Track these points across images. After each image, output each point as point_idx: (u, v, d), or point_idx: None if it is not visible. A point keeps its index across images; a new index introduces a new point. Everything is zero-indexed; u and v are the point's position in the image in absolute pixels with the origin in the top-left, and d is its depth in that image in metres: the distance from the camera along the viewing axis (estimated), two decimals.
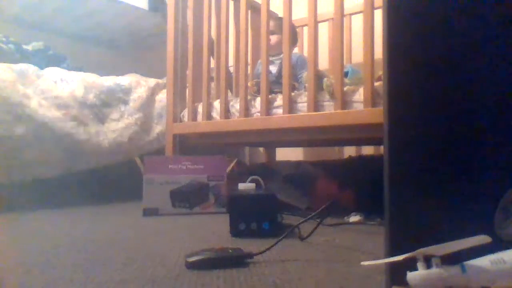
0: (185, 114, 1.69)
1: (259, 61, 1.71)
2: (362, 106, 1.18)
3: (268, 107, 1.40)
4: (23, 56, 1.82)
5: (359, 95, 1.21)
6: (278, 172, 1.49)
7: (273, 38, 1.72)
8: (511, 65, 0.48)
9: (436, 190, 0.48)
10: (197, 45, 1.65)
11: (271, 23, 1.62)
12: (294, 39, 1.76)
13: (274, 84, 1.60)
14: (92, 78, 1.74)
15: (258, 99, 1.45)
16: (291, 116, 1.33)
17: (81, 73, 1.74)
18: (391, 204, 0.49)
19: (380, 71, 1.26)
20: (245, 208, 0.95)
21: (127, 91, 1.82)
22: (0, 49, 1.76)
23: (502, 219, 0.47)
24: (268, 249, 0.73)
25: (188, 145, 1.70)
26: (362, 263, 0.47)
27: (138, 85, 1.87)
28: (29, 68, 1.55)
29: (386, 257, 0.47)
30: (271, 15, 1.59)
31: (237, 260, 0.69)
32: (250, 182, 1.24)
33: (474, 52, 0.48)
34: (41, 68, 1.63)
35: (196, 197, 1.35)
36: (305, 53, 1.72)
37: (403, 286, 0.42)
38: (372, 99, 1.15)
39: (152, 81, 1.93)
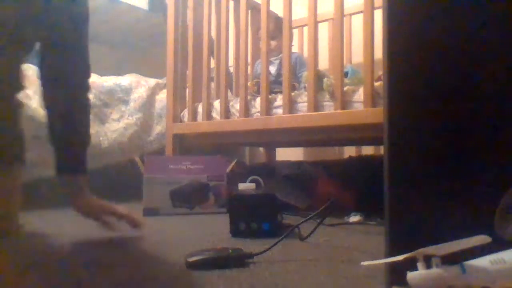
0: (185, 114, 1.69)
1: (258, 61, 1.71)
2: (362, 106, 1.18)
3: (268, 107, 1.40)
4: None
5: (359, 95, 1.21)
6: (278, 172, 1.49)
7: (272, 44, 1.72)
8: (511, 65, 0.48)
9: (436, 190, 0.48)
10: (197, 45, 1.65)
11: (270, 27, 1.62)
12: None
13: (273, 83, 1.60)
14: (92, 78, 1.72)
15: (258, 99, 1.45)
16: (291, 116, 1.33)
17: None
18: (391, 204, 0.49)
19: (380, 71, 1.26)
20: (245, 208, 0.95)
21: (127, 91, 1.82)
22: None
23: (502, 219, 0.47)
24: (268, 249, 0.73)
25: (188, 145, 1.70)
26: (362, 263, 0.47)
27: (138, 85, 1.87)
28: (30, 68, 1.55)
29: (386, 257, 0.47)
30: (270, 15, 1.59)
31: (237, 260, 0.69)
32: (250, 182, 1.24)
33: (474, 52, 0.48)
34: None
35: (196, 197, 1.35)
36: (305, 53, 1.72)
37: (403, 286, 0.42)
38: (372, 99, 1.15)
39: (152, 81, 1.93)
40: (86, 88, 0.95)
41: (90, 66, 0.96)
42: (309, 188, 1.39)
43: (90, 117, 1.62)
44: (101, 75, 1.80)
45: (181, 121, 1.70)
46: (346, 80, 1.29)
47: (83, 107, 0.94)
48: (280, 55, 1.58)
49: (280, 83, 1.44)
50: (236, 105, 1.52)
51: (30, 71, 1.55)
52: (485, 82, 0.48)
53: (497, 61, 0.48)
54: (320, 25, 1.64)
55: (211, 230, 1.04)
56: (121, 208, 0.94)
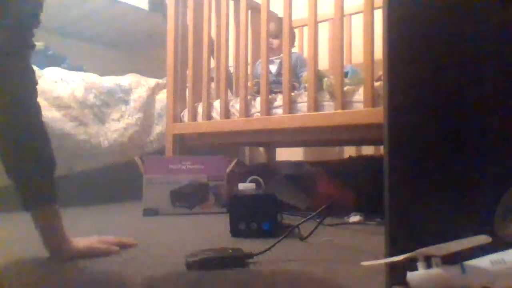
0: (185, 114, 1.69)
1: (258, 61, 1.71)
2: (362, 106, 1.18)
3: (268, 107, 1.40)
4: None
5: (359, 95, 1.21)
6: (278, 172, 1.49)
7: (275, 42, 1.72)
8: (511, 65, 0.48)
9: (436, 190, 0.48)
10: (197, 45, 1.65)
11: (273, 27, 1.63)
12: (292, 40, 1.76)
13: (274, 83, 1.60)
14: (92, 78, 1.73)
15: (258, 99, 1.45)
16: (291, 116, 1.33)
17: (81, 73, 1.74)
18: (391, 204, 0.49)
19: (380, 71, 1.25)
20: (245, 208, 0.95)
21: (128, 91, 1.82)
22: None
23: (502, 219, 0.47)
24: (268, 249, 0.73)
25: (188, 145, 1.70)
26: (362, 263, 0.47)
27: (138, 85, 1.87)
28: None
29: (386, 257, 0.47)
30: (271, 16, 1.59)
31: (237, 260, 0.69)
32: (250, 182, 1.24)
33: (474, 52, 0.48)
34: (41, 68, 1.63)
35: (196, 197, 1.35)
36: (305, 53, 1.72)
37: (403, 286, 0.42)
38: (372, 99, 1.15)
39: (152, 81, 1.93)
40: (33, 99, 0.77)
41: (34, 73, 0.78)
42: (309, 188, 1.39)
43: (90, 117, 1.65)
44: (101, 75, 1.80)
45: (181, 121, 1.70)
46: (346, 80, 1.29)
47: (35, 122, 0.75)
48: (281, 55, 1.58)
49: (281, 83, 1.44)
50: (236, 105, 1.52)
51: None
52: (486, 82, 0.48)
53: (497, 61, 0.48)
54: (320, 25, 1.64)
55: (211, 230, 1.04)
56: (101, 242, 0.78)
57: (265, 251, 0.72)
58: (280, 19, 1.62)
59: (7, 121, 0.71)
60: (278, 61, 1.70)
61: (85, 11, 2.27)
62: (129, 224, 1.13)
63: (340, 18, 1.26)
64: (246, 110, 1.47)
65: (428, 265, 0.41)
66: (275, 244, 0.74)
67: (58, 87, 1.59)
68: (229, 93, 1.66)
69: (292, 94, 1.36)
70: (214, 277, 0.62)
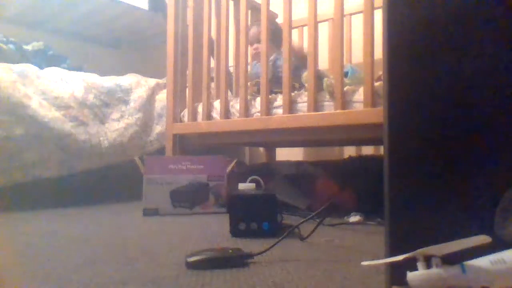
0: (185, 114, 1.69)
1: (254, 62, 1.72)
2: (362, 106, 1.19)
3: (268, 107, 1.40)
4: (23, 56, 1.83)
5: (359, 95, 1.21)
6: (278, 172, 1.49)
7: (260, 47, 1.71)
8: (511, 64, 0.48)
9: (436, 190, 0.48)
10: (197, 45, 1.65)
11: (254, 30, 1.65)
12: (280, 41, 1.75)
13: (273, 83, 1.60)
14: (92, 78, 1.74)
15: (258, 99, 1.45)
16: (291, 116, 1.33)
17: (81, 73, 1.74)
18: (391, 204, 0.49)
19: (380, 71, 1.26)
20: (245, 208, 0.95)
21: (127, 91, 1.82)
22: (0, 49, 1.76)
23: (502, 219, 0.47)
24: (268, 249, 0.73)
25: (188, 145, 1.70)
26: (362, 263, 0.47)
27: (138, 85, 1.87)
28: (29, 68, 1.56)
29: (386, 257, 0.47)
30: (271, 16, 1.59)
31: (237, 260, 0.69)
32: (250, 182, 1.24)
33: (474, 52, 0.48)
34: (41, 68, 1.63)
35: (196, 197, 1.35)
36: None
37: (403, 286, 0.42)
38: (372, 99, 1.15)
39: (152, 81, 1.93)
40: None
41: None
42: (309, 188, 1.39)
43: (90, 117, 1.65)
44: (101, 75, 1.81)
45: (181, 121, 1.70)
46: (346, 80, 1.29)
47: None
48: (271, 57, 1.59)
49: (280, 84, 1.44)
50: (236, 105, 1.52)
51: (30, 71, 1.55)
52: (487, 82, 0.48)
53: (499, 60, 0.48)
54: (320, 25, 1.64)
55: (211, 230, 1.04)
56: None
57: (265, 251, 0.72)
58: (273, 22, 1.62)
59: None
60: (270, 64, 1.68)
61: (85, 11, 2.27)
62: (129, 224, 1.13)
63: (340, 18, 1.26)
64: (246, 110, 1.47)
65: (428, 265, 0.41)
66: (275, 244, 0.75)
67: (58, 87, 1.59)
68: (229, 93, 1.66)
69: (292, 94, 1.36)
70: (214, 277, 0.62)
